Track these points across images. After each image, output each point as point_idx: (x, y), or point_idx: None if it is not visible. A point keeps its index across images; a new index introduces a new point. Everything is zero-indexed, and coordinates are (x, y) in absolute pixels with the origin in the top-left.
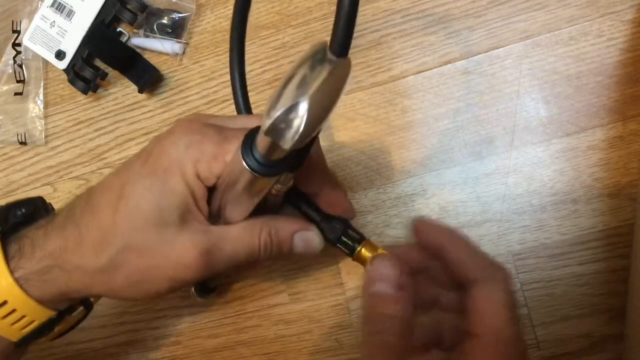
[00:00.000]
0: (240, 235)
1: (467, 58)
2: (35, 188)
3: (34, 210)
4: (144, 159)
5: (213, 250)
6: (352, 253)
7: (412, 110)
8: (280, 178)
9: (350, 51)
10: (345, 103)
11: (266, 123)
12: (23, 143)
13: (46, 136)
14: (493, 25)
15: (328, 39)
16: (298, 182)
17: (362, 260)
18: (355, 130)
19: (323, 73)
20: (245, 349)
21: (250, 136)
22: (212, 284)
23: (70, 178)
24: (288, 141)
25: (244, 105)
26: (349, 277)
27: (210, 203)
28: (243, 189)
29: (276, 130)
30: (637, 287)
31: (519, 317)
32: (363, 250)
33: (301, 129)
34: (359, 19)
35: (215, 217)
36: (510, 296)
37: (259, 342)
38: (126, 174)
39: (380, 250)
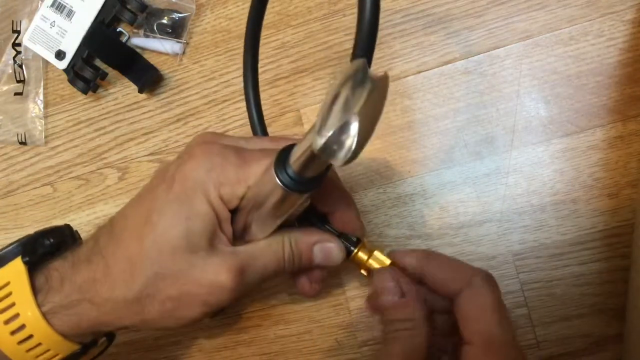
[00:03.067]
0: (267, 250)
1: (467, 58)
2: (35, 188)
3: (62, 240)
4: (168, 185)
5: (245, 269)
6: (348, 255)
7: (412, 110)
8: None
9: (351, 51)
10: None
11: (318, 143)
12: (23, 143)
13: (46, 136)
14: (493, 25)
15: (329, 39)
16: (313, 200)
17: (357, 263)
18: None
19: (367, 90)
20: (245, 349)
21: (283, 155)
22: None
23: (70, 178)
24: (341, 159)
25: (259, 126)
26: (349, 277)
27: (234, 225)
28: (272, 207)
29: (329, 149)
30: (637, 287)
31: (508, 318)
32: (359, 253)
33: (353, 147)
34: None
35: (237, 238)
36: (494, 298)
37: (259, 342)
38: (150, 201)
39: (375, 252)
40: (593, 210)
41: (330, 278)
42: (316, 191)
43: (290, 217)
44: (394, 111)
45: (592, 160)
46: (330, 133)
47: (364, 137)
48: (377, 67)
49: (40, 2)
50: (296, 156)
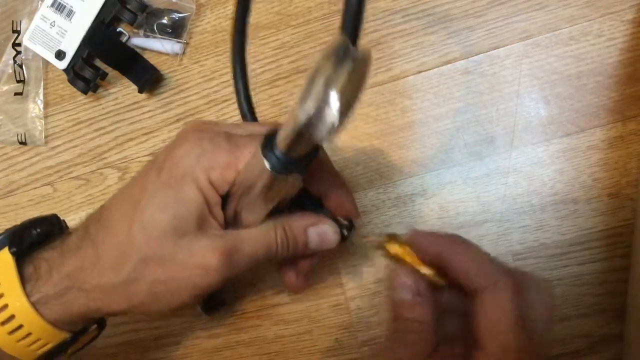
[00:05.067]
0: (257, 234)
1: (467, 58)
2: (35, 188)
3: (49, 230)
4: (157, 172)
5: (233, 252)
6: (343, 239)
7: (412, 110)
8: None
9: None
10: None
11: (300, 117)
12: (23, 143)
13: (46, 136)
14: (493, 25)
15: (329, 39)
16: (306, 183)
17: (389, 256)
18: (355, 130)
19: (348, 66)
20: (245, 349)
21: (269, 138)
22: (220, 299)
23: (70, 178)
24: (322, 134)
25: (249, 112)
26: (349, 277)
27: (225, 211)
28: (261, 191)
29: (311, 124)
30: (637, 287)
31: (528, 326)
32: (392, 246)
33: (335, 121)
34: None
35: (230, 225)
36: (516, 304)
37: (259, 342)
38: (139, 188)
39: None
40: (593, 210)
41: (330, 278)
42: (305, 174)
43: (283, 201)
44: (394, 111)
45: (592, 160)
46: (311, 107)
47: (345, 112)
48: (377, 67)
49: (40, 2)
50: (282, 137)
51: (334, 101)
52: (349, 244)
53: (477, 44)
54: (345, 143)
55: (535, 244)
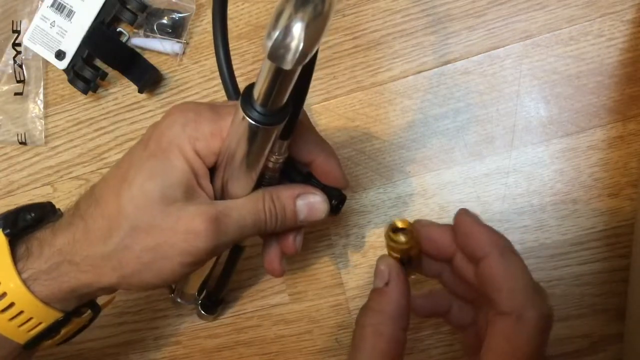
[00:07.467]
0: (245, 203)
1: (467, 58)
2: (35, 188)
3: (43, 215)
4: (144, 145)
5: (220, 217)
6: (334, 211)
7: (412, 110)
8: (276, 147)
9: (351, 51)
10: (345, 103)
11: (267, 46)
12: (23, 143)
13: (46, 136)
14: (493, 25)
15: (329, 39)
16: (292, 151)
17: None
18: (355, 130)
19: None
20: (245, 349)
21: (247, 92)
22: (217, 297)
23: (70, 178)
24: (289, 62)
25: (232, 89)
26: (349, 277)
27: (213, 184)
28: (245, 151)
29: (277, 52)
30: (637, 287)
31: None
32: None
33: (300, 48)
34: (360, 19)
35: (218, 198)
36: (535, 345)
37: (259, 342)
38: (127, 162)
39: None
40: (593, 210)
41: (330, 278)
42: (289, 138)
43: (270, 177)
44: (394, 111)
45: (592, 160)
46: (276, 35)
47: (311, 37)
48: (377, 67)
49: (40, 2)
50: (258, 87)
51: (296, 29)
52: (340, 217)
53: (477, 44)
54: (345, 143)
55: (535, 244)
